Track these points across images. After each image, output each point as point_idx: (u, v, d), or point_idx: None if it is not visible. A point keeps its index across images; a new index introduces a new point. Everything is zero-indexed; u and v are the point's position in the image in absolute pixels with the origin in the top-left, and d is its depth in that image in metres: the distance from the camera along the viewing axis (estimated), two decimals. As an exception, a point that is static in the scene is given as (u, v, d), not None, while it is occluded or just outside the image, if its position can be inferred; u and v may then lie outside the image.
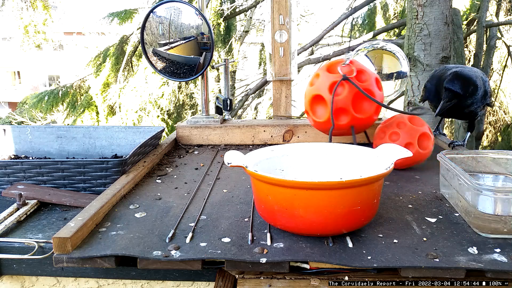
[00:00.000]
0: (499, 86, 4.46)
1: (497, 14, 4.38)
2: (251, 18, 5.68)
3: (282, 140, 1.30)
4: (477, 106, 1.08)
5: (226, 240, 0.67)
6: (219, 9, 4.80)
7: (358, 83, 0.98)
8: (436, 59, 2.08)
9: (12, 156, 1.15)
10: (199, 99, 4.53)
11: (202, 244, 0.65)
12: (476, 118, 1.13)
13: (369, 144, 1.12)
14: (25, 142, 1.18)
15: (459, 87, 0.99)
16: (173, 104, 4.70)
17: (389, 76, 1.26)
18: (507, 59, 4.37)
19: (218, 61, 4.70)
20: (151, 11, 1.23)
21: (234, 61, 5.23)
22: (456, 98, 1.01)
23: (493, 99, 4.34)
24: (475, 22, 3.89)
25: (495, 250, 0.63)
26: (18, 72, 15.39)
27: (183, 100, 4.89)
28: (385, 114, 1.28)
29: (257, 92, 5.07)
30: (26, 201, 0.83)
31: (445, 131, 4.21)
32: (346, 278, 0.63)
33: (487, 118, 4.60)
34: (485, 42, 3.75)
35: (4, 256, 0.69)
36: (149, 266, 0.63)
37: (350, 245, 0.65)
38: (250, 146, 1.29)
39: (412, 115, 1.02)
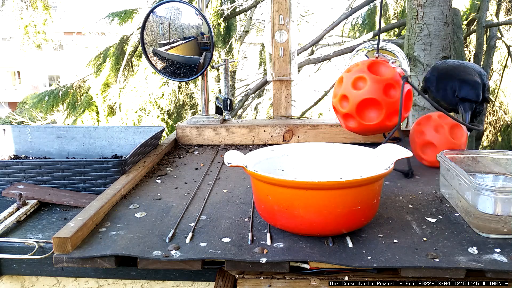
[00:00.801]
0: (499, 86, 4.46)
1: (497, 14, 4.38)
2: (251, 18, 5.68)
3: (282, 140, 1.30)
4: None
5: (226, 240, 0.67)
6: (219, 9, 4.80)
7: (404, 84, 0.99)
8: (436, 59, 2.08)
9: (12, 156, 1.15)
10: (199, 99, 4.54)
11: (202, 244, 0.65)
12: (477, 114, 1.13)
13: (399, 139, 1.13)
14: (25, 142, 1.18)
15: (474, 94, 1.02)
16: (173, 104, 4.70)
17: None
18: (507, 59, 4.37)
19: (218, 61, 4.70)
20: (151, 11, 1.23)
21: (234, 61, 5.23)
22: (475, 104, 1.04)
23: (491, 97, 4.34)
24: (475, 22, 3.88)
25: (495, 250, 0.63)
26: (18, 72, 15.39)
27: (183, 100, 4.89)
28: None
29: (257, 92, 5.07)
30: (26, 201, 0.83)
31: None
32: (346, 278, 0.63)
33: (487, 118, 4.60)
34: (485, 42, 3.74)
35: (4, 256, 0.69)
36: (149, 266, 0.63)
37: (350, 245, 0.65)
38: (250, 146, 1.29)
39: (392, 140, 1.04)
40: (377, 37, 1.15)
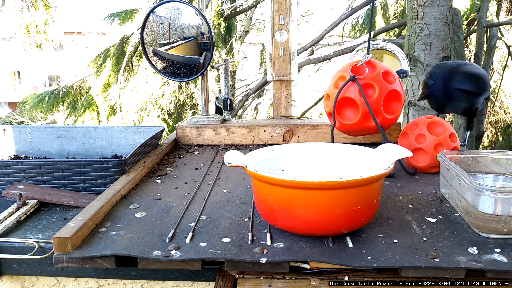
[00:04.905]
0: (500, 86, 4.46)
1: (497, 14, 4.38)
2: (251, 18, 5.68)
3: (282, 140, 1.30)
4: (477, 101, 1.09)
5: (226, 240, 0.67)
6: (219, 9, 4.80)
7: (387, 84, 0.96)
8: (436, 59, 2.08)
9: (12, 156, 1.15)
10: (199, 99, 4.54)
11: (202, 244, 0.65)
12: (475, 114, 1.13)
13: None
14: (25, 142, 1.18)
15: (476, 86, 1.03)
16: (173, 104, 4.70)
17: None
18: (507, 59, 4.37)
19: (218, 61, 4.70)
20: (151, 11, 1.23)
21: (234, 61, 5.23)
22: (476, 97, 1.03)
23: (491, 97, 4.35)
24: (476, 22, 3.88)
25: (495, 250, 0.63)
26: (18, 72, 15.40)
27: (183, 100, 4.89)
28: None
29: (257, 92, 5.07)
30: (26, 201, 0.83)
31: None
32: (346, 278, 0.63)
33: (487, 118, 4.60)
34: (485, 42, 3.74)
35: (4, 256, 0.69)
36: (149, 266, 0.63)
37: (350, 245, 0.65)
38: (250, 146, 1.29)
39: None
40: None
